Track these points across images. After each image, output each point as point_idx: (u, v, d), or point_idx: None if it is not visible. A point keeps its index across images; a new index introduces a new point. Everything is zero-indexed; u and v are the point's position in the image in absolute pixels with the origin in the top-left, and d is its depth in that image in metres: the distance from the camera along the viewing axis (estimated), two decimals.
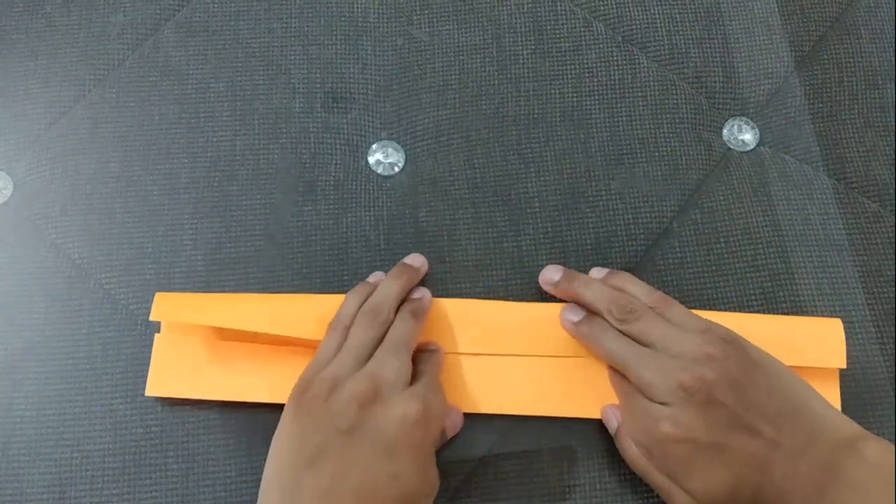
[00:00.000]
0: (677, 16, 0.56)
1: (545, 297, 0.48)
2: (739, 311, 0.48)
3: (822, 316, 0.48)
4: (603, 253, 0.49)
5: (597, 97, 0.53)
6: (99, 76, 0.52)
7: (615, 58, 0.54)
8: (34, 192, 0.49)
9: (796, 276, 0.49)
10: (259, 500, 0.39)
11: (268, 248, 0.49)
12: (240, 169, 0.50)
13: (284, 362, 0.45)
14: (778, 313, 0.48)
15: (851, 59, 0.55)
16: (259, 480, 0.40)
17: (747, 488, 0.39)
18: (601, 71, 0.54)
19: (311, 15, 0.55)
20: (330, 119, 0.52)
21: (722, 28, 0.56)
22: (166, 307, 0.44)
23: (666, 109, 0.53)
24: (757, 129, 0.53)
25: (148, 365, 0.45)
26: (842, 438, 0.39)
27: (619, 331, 0.43)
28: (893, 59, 0.55)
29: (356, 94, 0.53)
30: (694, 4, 0.56)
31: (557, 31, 0.55)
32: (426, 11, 0.55)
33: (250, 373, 0.45)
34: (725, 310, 0.48)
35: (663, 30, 0.55)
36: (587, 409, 0.45)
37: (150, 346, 0.46)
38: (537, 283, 0.48)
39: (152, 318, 0.43)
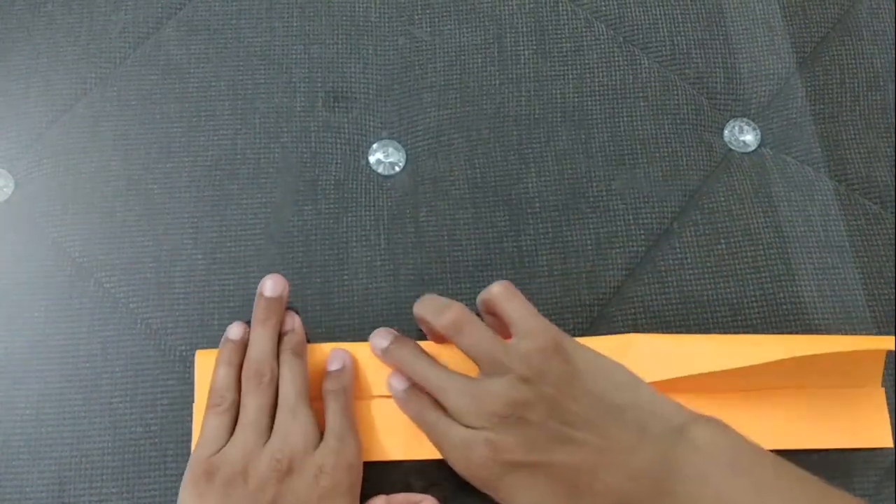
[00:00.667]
0: (679, 16, 0.56)
1: (546, 297, 0.48)
2: (739, 311, 0.48)
3: (825, 316, 0.48)
4: (603, 253, 0.49)
5: (598, 97, 0.53)
6: (100, 75, 0.52)
7: (616, 58, 0.54)
8: (35, 190, 0.49)
9: (797, 277, 0.49)
10: None
11: (268, 247, 0.49)
12: (240, 168, 0.50)
13: None
14: (778, 313, 0.48)
15: (853, 61, 0.55)
16: None
17: (584, 498, 0.39)
18: (602, 71, 0.54)
19: (312, 14, 0.55)
20: (331, 118, 0.52)
21: (723, 29, 0.56)
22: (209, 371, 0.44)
23: (667, 110, 0.53)
24: (758, 130, 0.53)
25: (149, 364, 0.46)
26: (672, 427, 0.39)
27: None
28: (894, 60, 0.55)
29: (357, 94, 0.53)
30: (695, 5, 0.56)
31: (559, 32, 0.55)
32: (427, 11, 0.55)
33: None
34: (725, 310, 0.48)
35: (665, 30, 0.55)
36: None
37: (151, 345, 0.46)
38: (537, 283, 0.48)
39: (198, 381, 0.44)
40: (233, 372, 0.43)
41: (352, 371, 0.44)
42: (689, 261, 0.50)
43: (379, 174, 0.51)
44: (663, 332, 0.48)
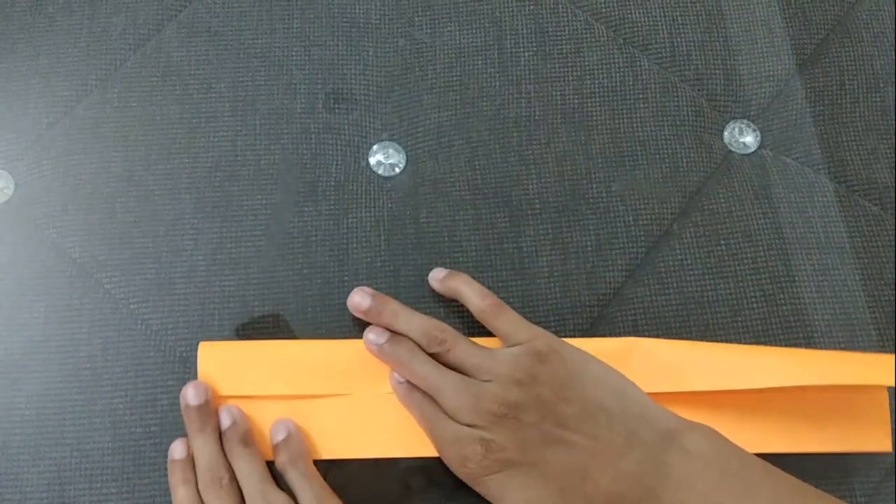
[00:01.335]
0: (679, 18, 0.56)
1: (546, 298, 0.48)
2: (739, 311, 0.48)
3: (825, 317, 0.48)
4: (603, 255, 0.49)
5: (598, 99, 0.53)
6: (101, 76, 0.52)
7: (616, 60, 0.55)
8: (35, 191, 0.50)
9: (797, 278, 0.49)
10: None
11: (268, 248, 0.49)
12: (241, 169, 0.51)
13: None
14: (778, 314, 0.48)
15: (853, 62, 0.55)
16: None
17: (574, 499, 0.39)
18: (602, 73, 0.54)
19: (312, 16, 0.55)
20: (331, 120, 0.52)
21: (723, 30, 0.56)
22: (211, 363, 0.44)
23: (667, 112, 0.53)
24: (758, 132, 0.53)
25: (148, 364, 0.46)
26: (661, 433, 0.40)
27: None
28: (894, 62, 0.55)
29: (357, 95, 0.53)
30: (695, 7, 0.56)
31: (559, 33, 0.55)
32: (428, 13, 0.55)
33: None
34: (725, 310, 0.48)
35: (664, 32, 0.55)
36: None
37: (151, 345, 0.46)
38: (537, 284, 0.48)
39: (200, 373, 0.44)
40: (192, 489, 0.41)
41: (299, 435, 0.43)
42: (689, 262, 0.50)
43: (379, 175, 0.51)
44: (664, 334, 0.48)
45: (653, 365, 0.44)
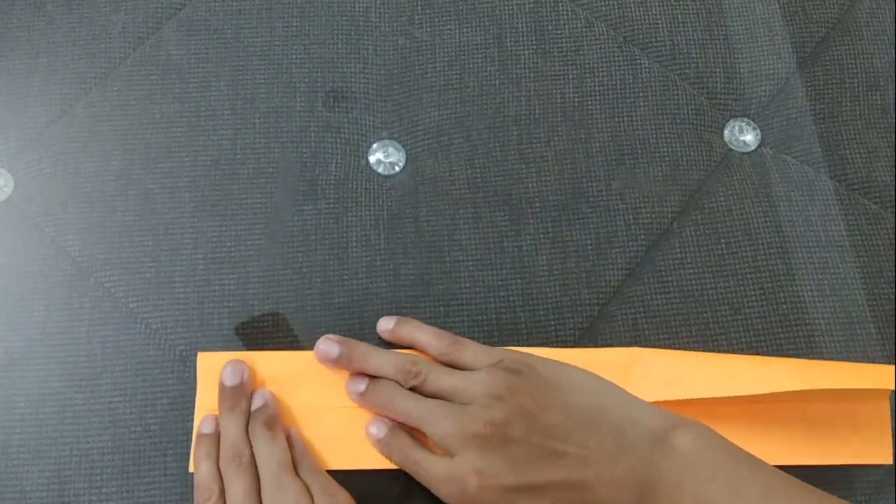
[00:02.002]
0: (679, 16, 0.56)
1: (546, 296, 0.48)
2: (739, 310, 0.48)
3: (825, 316, 0.48)
4: (603, 253, 0.49)
5: (598, 97, 0.53)
6: (100, 74, 0.52)
7: (616, 58, 0.54)
8: (35, 189, 0.49)
9: (797, 277, 0.49)
10: None
11: (268, 247, 0.49)
12: (240, 168, 0.50)
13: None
14: (778, 313, 0.48)
15: (853, 61, 0.55)
16: None
17: None
18: (602, 71, 0.54)
19: (312, 14, 0.55)
20: (331, 118, 0.52)
21: (724, 29, 0.56)
22: (211, 374, 0.44)
23: (667, 110, 0.53)
24: (758, 130, 0.53)
25: (148, 364, 0.46)
26: (651, 433, 0.39)
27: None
28: (894, 60, 0.55)
29: (357, 94, 0.53)
30: (696, 5, 0.56)
31: (559, 32, 0.55)
32: (427, 11, 0.55)
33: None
34: (725, 309, 0.48)
35: (665, 30, 0.55)
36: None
37: (151, 345, 0.46)
38: (537, 283, 0.48)
39: (200, 383, 0.44)
40: (213, 465, 0.42)
41: (300, 439, 0.43)
42: (689, 260, 0.50)
43: (379, 174, 0.51)
44: (664, 332, 0.48)
45: (654, 375, 0.44)
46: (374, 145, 0.52)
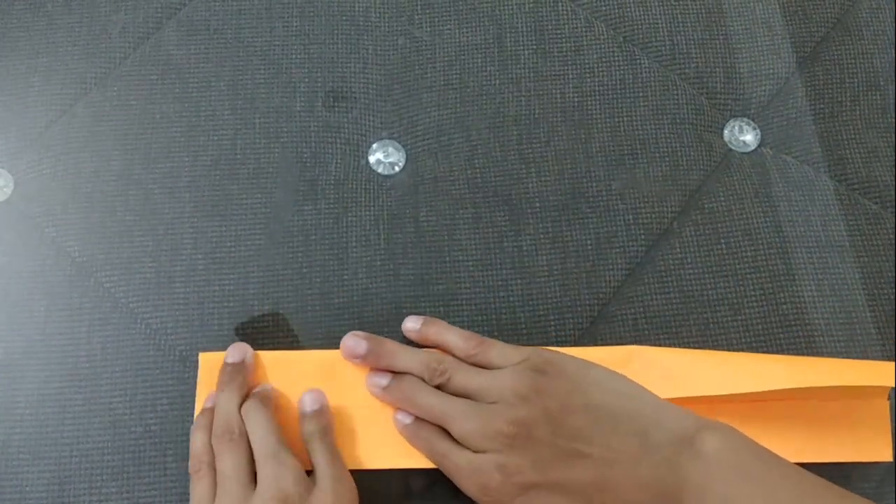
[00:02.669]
0: (679, 16, 0.56)
1: (546, 296, 0.48)
2: (739, 310, 0.48)
3: (825, 316, 0.48)
4: (603, 253, 0.49)
5: (598, 97, 0.53)
6: (100, 74, 0.52)
7: (616, 58, 0.54)
8: (35, 189, 0.49)
9: (797, 277, 0.49)
10: None
11: (268, 247, 0.49)
12: (240, 168, 0.50)
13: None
14: (778, 313, 0.48)
15: (853, 60, 0.55)
16: None
17: None
18: (602, 71, 0.54)
19: (312, 14, 0.55)
20: (331, 118, 0.52)
21: (723, 28, 0.56)
22: (212, 374, 0.44)
23: (667, 110, 0.53)
24: (758, 130, 0.53)
25: (148, 364, 0.46)
26: (677, 436, 0.39)
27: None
28: (894, 60, 0.55)
29: (357, 94, 0.53)
30: (695, 5, 0.56)
31: (559, 31, 0.55)
32: (427, 11, 0.55)
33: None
34: (725, 309, 0.48)
35: (664, 30, 0.55)
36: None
37: (151, 345, 0.46)
38: (537, 283, 0.48)
39: (200, 383, 0.44)
40: (207, 436, 0.42)
41: (330, 410, 0.43)
42: (689, 260, 0.50)
43: (379, 174, 0.51)
44: (664, 332, 0.48)
45: (652, 372, 0.44)
46: (374, 145, 0.52)
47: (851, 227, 0.51)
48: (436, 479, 0.43)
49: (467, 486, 0.41)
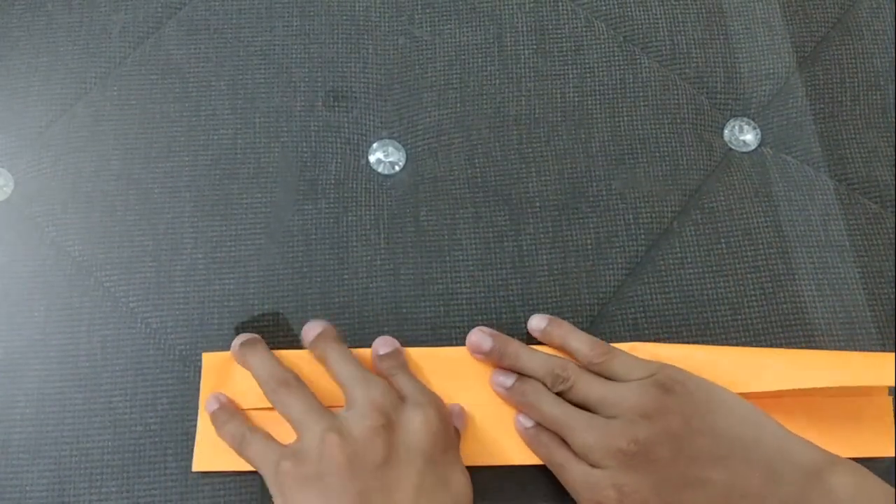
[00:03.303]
0: (679, 16, 0.56)
1: (546, 296, 0.48)
2: (739, 310, 0.48)
3: (825, 316, 0.48)
4: (603, 253, 0.49)
5: (598, 97, 0.53)
6: (100, 74, 0.52)
7: (616, 58, 0.54)
8: (35, 189, 0.49)
9: (797, 276, 0.49)
10: None
11: (268, 246, 0.49)
12: (240, 167, 0.50)
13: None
14: (778, 313, 0.48)
15: (853, 60, 0.55)
16: (259, 478, 0.40)
17: None
18: (602, 71, 0.54)
19: (312, 14, 0.55)
20: (331, 118, 0.52)
21: (724, 28, 0.56)
22: (215, 375, 0.44)
23: (667, 109, 0.53)
24: (758, 130, 0.53)
25: (148, 364, 0.46)
26: (806, 470, 0.38)
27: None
28: (894, 59, 0.55)
29: (357, 93, 0.53)
30: (696, 4, 0.56)
31: (559, 31, 0.55)
32: (427, 10, 0.55)
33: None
34: (725, 309, 0.48)
35: (665, 30, 0.55)
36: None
37: (151, 345, 0.46)
38: (537, 282, 0.48)
39: (203, 384, 0.44)
40: (239, 422, 0.42)
41: (403, 351, 0.44)
42: (689, 260, 0.50)
43: (379, 174, 0.51)
44: (664, 332, 0.48)
45: None
46: (374, 145, 0.52)
47: (851, 227, 0.51)
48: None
49: (583, 499, 0.40)
